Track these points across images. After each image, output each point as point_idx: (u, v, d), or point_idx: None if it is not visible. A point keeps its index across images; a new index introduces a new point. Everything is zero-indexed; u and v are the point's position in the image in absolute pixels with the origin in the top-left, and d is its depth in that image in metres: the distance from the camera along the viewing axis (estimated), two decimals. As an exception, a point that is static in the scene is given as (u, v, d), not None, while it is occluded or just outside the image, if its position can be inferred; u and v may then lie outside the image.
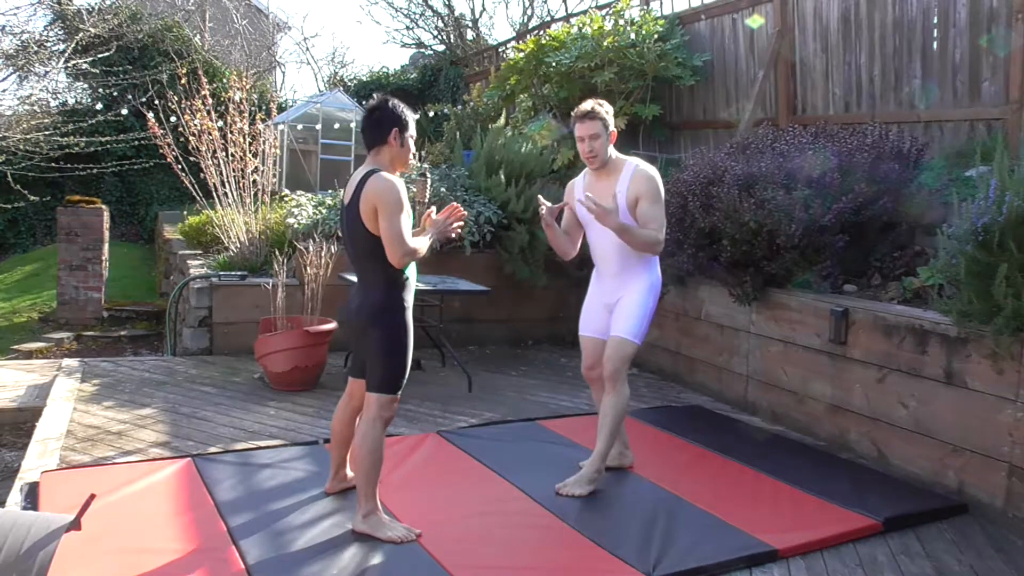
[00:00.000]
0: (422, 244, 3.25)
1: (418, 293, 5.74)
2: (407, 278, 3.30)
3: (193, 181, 7.12)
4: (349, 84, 16.75)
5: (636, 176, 3.74)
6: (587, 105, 3.79)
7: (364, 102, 14.69)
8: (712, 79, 8.02)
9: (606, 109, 3.79)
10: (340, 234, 3.56)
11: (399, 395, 3.31)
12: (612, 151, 3.82)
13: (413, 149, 3.37)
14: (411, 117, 3.33)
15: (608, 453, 3.89)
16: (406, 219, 3.15)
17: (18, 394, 5.31)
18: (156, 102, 9.33)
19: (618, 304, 3.84)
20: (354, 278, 3.60)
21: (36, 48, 10.79)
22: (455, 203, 3.48)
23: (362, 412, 3.34)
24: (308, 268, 5.64)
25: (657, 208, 3.74)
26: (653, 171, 3.79)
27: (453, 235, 3.45)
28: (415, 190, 5.73)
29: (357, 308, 3.32)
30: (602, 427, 3.83)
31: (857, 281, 5.11)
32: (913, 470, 4.26)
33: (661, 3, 8.72)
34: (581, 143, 3.79)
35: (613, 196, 3.73)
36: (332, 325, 5.52)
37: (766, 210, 4.93)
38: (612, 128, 3.80)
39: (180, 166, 6.97)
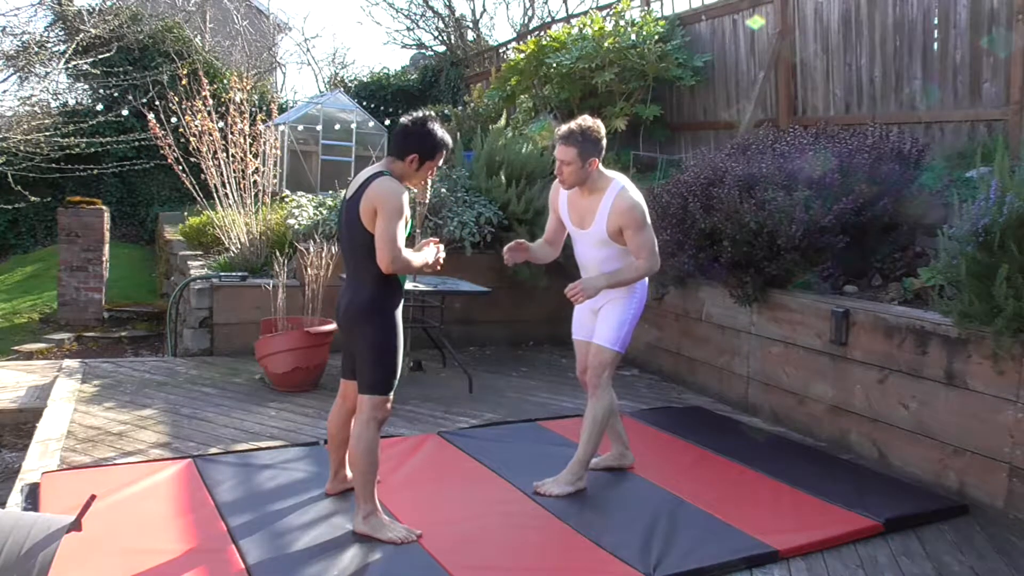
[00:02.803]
0: (414, 258, 3.23)
1: (418, 294, 5.81)
2: (398, 279, 3.30)
3: (194, 182, 7.13)
4: (350, 85, 16.75)
5: (616, 206, 3.58)
6: (568, 127, 3.61)
7: (365, 103, 14.77)
8: (713, 80, 8.02)
9: (588, 135, 3.56)
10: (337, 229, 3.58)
11: (391, 395, 3.31)
12: (595, 173, 3.64)
13: (428, 178, 3.35)
14: (443, 146, 3.28)
15: (589, 460, 3.86)
16: (403, 227, 3.15)
17: (19, 395, 5.31)
18: (157, 103, 9.34)
19: (601, 310, 3.81)
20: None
21: (37, 49, 10.80)
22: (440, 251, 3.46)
23: (355, 414, 3.34)
24: (309, 269, 5.64)
25: (643, 234, 3.60)
26: (634, 197, 3.61)
27: (437, 267, 3.44)
28: (415, 191, 5.73)
29: (345, 306, 3.31)
30: (583, 433, 3.82)
31: (858, 282, 5.11)
32: (914, 471, 4.26)
33: (662, 4, 8.74)
34: (556, 162, 3.64)
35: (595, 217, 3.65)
36: (333, 326, 5.52)
37: (767, 211, 4.93)
38: (595, 157, 3.59)
39: (181, 167, 6.97)
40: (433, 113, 3.35)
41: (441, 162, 3.38)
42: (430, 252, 3.39)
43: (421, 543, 3.24)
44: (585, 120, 3.63)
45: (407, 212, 3.19)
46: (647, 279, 3.84)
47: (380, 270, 3.18)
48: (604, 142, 3.65)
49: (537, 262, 4.02)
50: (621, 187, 3.64)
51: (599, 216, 3.64)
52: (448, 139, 3.33)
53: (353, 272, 3.32)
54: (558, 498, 3.74)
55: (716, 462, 4.33)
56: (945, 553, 3.44)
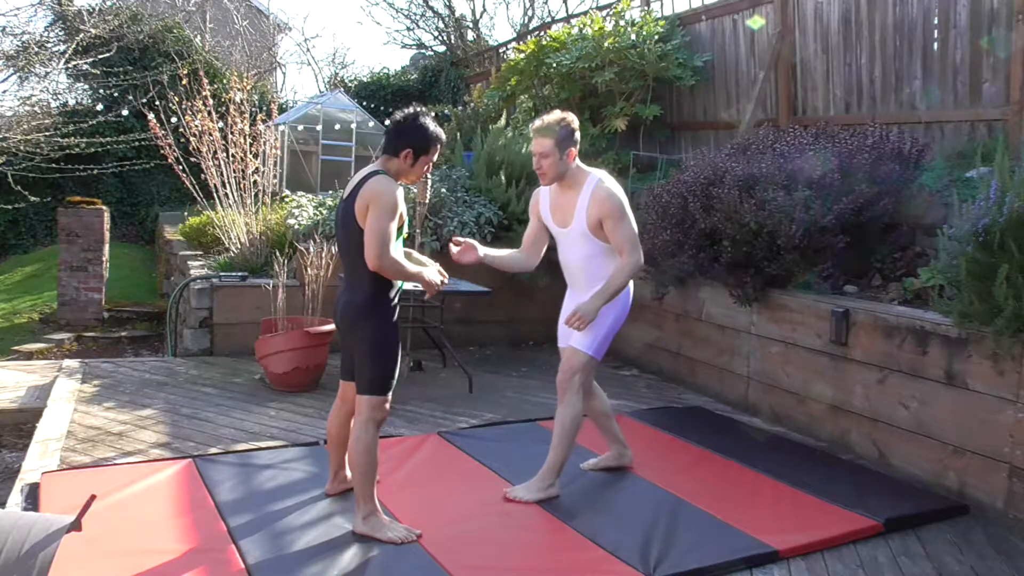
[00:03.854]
0: (406, 263, 3.18)
1: (419, 294, 5.79)
2: (391, 280, 3.27)
3: (194, 182, 7.13)
4: (350, 85, 16.75)
5: (595, 197, 3.57)
6: (543, 120, 3.60)
7: (365, 103, 14.77)
8: (713, 80, 8.02)
9: (562, 125, 3.56)
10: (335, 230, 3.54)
11: (390, 396, 3.30)
12: (573, 165, 3.63)
13: (426, 172, 3.34)
14: (436, 140, 3.27)
15: (561, 467, 3.77)
16: (394, 225, 3.12)
17: (19, 395, 5.31)
18: (157, 103, 9.35)
19: None
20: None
21: (37, 49, 10.80)
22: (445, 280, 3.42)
23: (354, 415, 3.34)
24: (309, 269, 5.64)
25: (624, 226, 3.57)
26: (612, 187, 3.61)
27: (429, 293, 3.38)
28: (416, 191, 5.73)
29: (343, 306, 3.31)
30: (553, 439, 3.76)
31: (858, 282, 5.11)
32: (914, 471, 4.26)
33: (662, 4, 8.74)
34: (534, 157, 3.63)
35: (575, 212, 3.61)
36: (332, 326, 5.51)
37: (767, 211, 4.93)
38: (571, 147, 3.59)
39: (181, 167, 6.97)
40: (424, 108, 3.33)
41: (436, 156, 3.35)
42: (431, 272, 3.32)
43: (421, 543, 3.24)
44: (555, 112, 3.65)
45: (402, 208, 3.17)
46: (631, 289, 3.79)
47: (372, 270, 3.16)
48: (578, 134, 3.64)
49: (505, 270, 3.95)
50: (598, 179, 3.64)
51: (579, 210, 3.61)
52: (441, 133, 3.32)
53: (350, 272, 3.31)
54: (523, 503, 3.68)
55: (716, 462, 4.33)
56: (945, 553, 3.44)
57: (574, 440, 3.77)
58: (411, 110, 3.28)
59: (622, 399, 5.47)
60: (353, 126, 11.58)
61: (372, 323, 3.23)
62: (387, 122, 3.54)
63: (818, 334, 4.81)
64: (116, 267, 11.16)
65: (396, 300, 3.30)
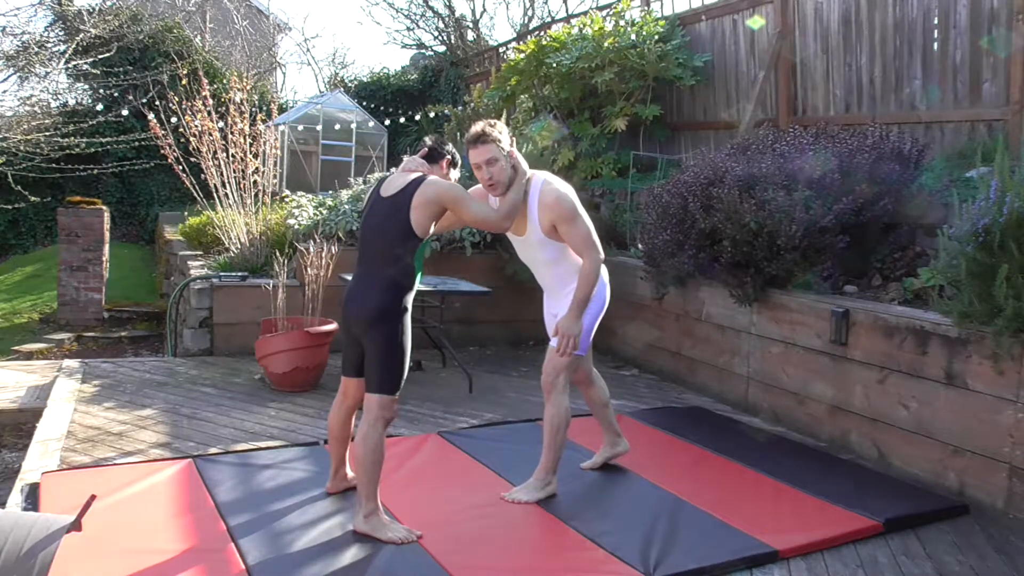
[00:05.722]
0: (515, 197, 3.49)
1: (418, 294, 5.77)
2: (414, 281, 3.36)
3: (194, 182, 7.13)
4: (350, 85, 16.74)
5: (543, 202, 3.51)
6: (477, 128, 3.52)
7: (365, 103, 14.77)
8: (713, 80, 8.02)
9: (499, 130, 3.52)
10: (357, 228, 3.69)
11: (398, 395, 3.33)
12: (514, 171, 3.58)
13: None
14: (459, 164, 3.69)
15: (554, 466, 3.77)
16: (474, 201, 3.43)
17: (19, 395, 5.31)
18: (157, 103, 9.35)
19: (559, 315, 3.72)
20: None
21: (37, 49, 10.81)
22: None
23: (363, 412, 3.35)
24: (309, 269, 5.64)
25: (578, 226, 3.52)
26: (559, 187, 3.56)
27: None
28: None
29: (359, 306, 3.33)
30: (544, 439, 3.76)
31: (858, 282, 5.11)
32: (914, 471, 4.26)
33: (662, 4, 8.74)
34: (478, 170, 3.52)
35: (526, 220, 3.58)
36: (333, 326, 5.52)
37: (767, 211, 4.93)
38: (510, 148, 3.55)
39: (181, 167, 6.97)
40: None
41: (456, 176, 3.62)
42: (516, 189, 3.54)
43: (421, 543, 3.24)
44: (479, 123, 3.59)
45: None
46: (606, 279, 3.79)
47: (400, 273, 3.27)
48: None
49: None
50: (543, 180, 3.59)
51: (531, 216, 3.57)
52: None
53: (374, 271, 3.34)
54: (520, 504, 3.68)
55: (716, 462, 4.33)
56: (945, 553, 3.44)
57: (565, 438, 3.77)
58: (439, 140, 3.64)
59: (622, 399, 5.47)
60: (353, 126, 11.59)
61: (391, 324, 3.27)
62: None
63: (818, 334, 4.81)
64: (116, 267, 11.16)
65: (410, 301, 3.36)
